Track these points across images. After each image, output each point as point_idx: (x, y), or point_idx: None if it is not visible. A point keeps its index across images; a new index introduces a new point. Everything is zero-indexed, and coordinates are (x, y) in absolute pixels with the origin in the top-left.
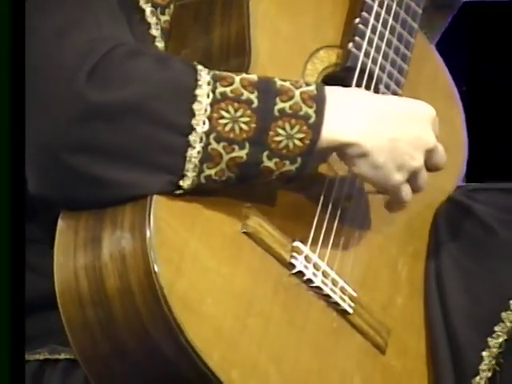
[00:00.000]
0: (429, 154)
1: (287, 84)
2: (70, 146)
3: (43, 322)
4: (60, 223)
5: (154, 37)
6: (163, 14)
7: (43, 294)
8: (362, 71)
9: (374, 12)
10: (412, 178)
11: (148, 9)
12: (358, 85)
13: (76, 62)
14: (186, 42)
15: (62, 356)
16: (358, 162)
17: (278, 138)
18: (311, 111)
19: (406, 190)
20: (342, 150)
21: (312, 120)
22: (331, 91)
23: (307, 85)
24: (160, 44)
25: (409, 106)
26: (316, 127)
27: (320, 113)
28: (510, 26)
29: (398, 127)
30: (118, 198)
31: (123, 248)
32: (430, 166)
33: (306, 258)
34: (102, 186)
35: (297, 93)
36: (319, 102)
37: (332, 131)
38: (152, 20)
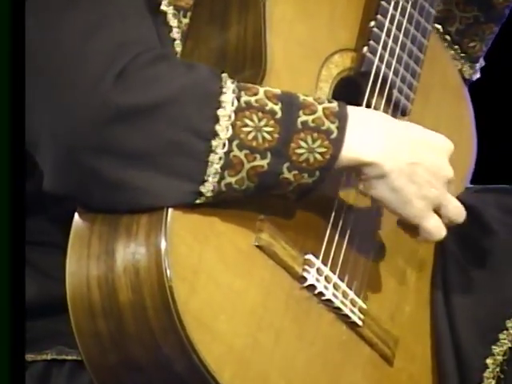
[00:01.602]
0: (448, 185)
1: (310, 99)
2: (93, 147)
3: (51, 323)
4: (74, 228)
5: (174, 39)
6: (185, 16)
7: (52, 296)
8: (376, 75)
9: (389, 15)
10: (441, 208)
11: (170, 12)
12: (372, 89)
13: (104, 65)
14: (200, 41)
15: (69, 357)
16: (375, 184)
17: (299, 151)
18: (333, 127)
19: (435, 222)
20: (360, 170)
21: (334, 135)
22: (353, 111)
23: (329, 102)
24: (179, 48)
25: (429, 136)
26: (337, 143)
27: (342, 129)
28: (510, 26)
29: (418, 153)
30: (136, 203)
31: (137, 262)
32: None
33: (318, 271)
34: (121, 190)
35: (319, 108)
36: (341, 118)
37: (352, 149)
38: (174, 23)
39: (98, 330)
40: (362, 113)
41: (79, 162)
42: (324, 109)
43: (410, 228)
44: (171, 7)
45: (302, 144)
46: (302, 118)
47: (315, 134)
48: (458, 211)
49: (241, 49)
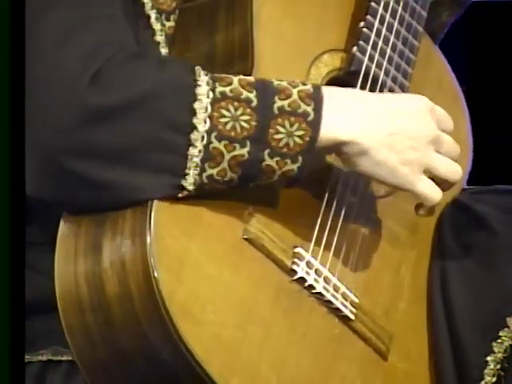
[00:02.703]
0: (434, 144)
1: (284, 83)
2: (72, 149)
3: (46, 323)
4: (61, 228)
5: (158, 43)
6: (168, 20)
7: (45, 295)
8: (366, 75)
9: (378, 15)
10: (430, 170)
11: (153, 15)
12: (362, 89)
13: (79, 68)
14: (189, 45)
15: (65, 358)
16: (358, 161)
17: (278, 136)
18: (309, 109)
19: (426, 184)
20: (340, 149)
21: (311, 117)
22: (328, 90)
23: (303, 84)
24: (164, 50)
25: (404, 101)
26: (315, 124)
27: (318, 110)
28: (511, 26)
29: (396, 123)
30: (120, 201)
31: (123, 254)
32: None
33: (308, 264)
34: (104, 189)
35: (294, 91)
36: (317, 100)
37: (330, 129)
38: (157, 26)
39: (88, 325)
40: (337, 92)
41: (59, 165)
42: (299, 92)
43: (409, 202)
44: (154, 10)
45: (280, 129)
46: (278, 103)
47: (292, 118)
48: (449, 168)
49: (229, 49)
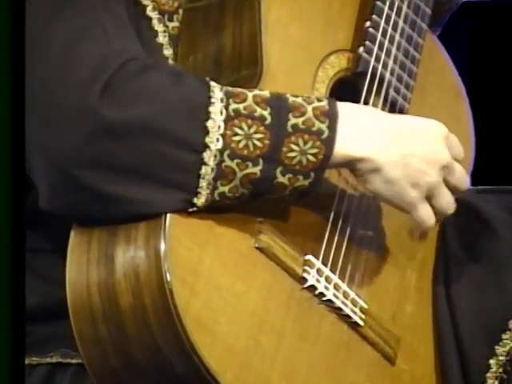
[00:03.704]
0: (445, 171)
1: (299, 100)
2: (84, 163)
3: (55, 328)
4: (73, 236)
5: (162, 44)
6: (171, 20)
7: (55, 300)
8: (373, 75)
9: (384, 14)
10: (432, 197)
11: (155, 16)
12: (369, 89)
13: (88, 78)
14: (195, 46)
15: (74, 361)
16: (370, 178)
17: (291, 154)
18: (324, 126)
19: (426, 210)
20: (354, 166)
21: (325, 135)
22: (343, 107)
23: (319, 100)
24: (168, 51)
25: (421, 125)
26: (329, 142)
27: (333, 128)
28: (510, 26)
29: (411, 144)
30: (131, 216)
31: (137, 266)
32: (448, 185)
33: (318, 272)
34: (115, 204)
35: (309, 108)
36: (331, 117)
37: (344, 146)
38: (159, 28)
39: (100, 335)
40: (352, 109)
41: (71, 179)
42: (314, 109)
43: (399, 216)
44: (156, 12)
45: (294, 147)
46: (292, 120)
47: (306, 136)
48: (449, 203)
49: (236, 52)
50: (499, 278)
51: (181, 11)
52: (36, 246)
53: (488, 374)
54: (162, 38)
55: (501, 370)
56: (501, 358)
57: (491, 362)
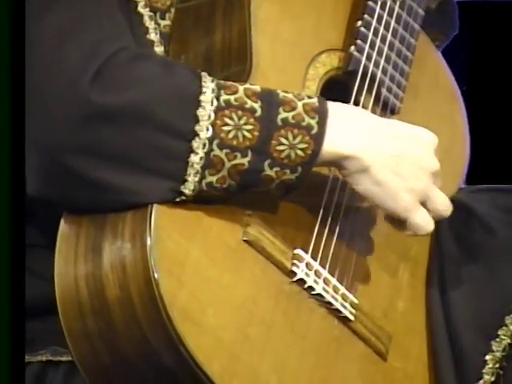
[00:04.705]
0: (434, 178)
1: (290, 95)
2: (72, 148)
3: (45, 324)
4: (61, 231)
5: (153, 41)
6: (163, 18)
7: (44, 297)
8: (364, 75)
9: (376, 14)
10: (427, 201)
11: (146, 13)
12: (360, 88)
13: (80, 65)
14: (186, 45)
15: (64, 358)
16: (358, 178)
17: (280, 148)
18: (313, 122)
19: (423, 215)
20: (342, 164)
21: (314, 131)
22: (333, 105)
23: (309, 97)
24: (158, 49)
25: (412, 130)
26: (318, 138)
27: (322, 124)
28: (510, 26)
29: (401, 147)
30: (119, 203)
31: (124, 258)
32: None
33: (307, 266)
34: (103, 190)
35: (299, 104)
36: (321, 114)
37: (333, 143)
38: (150, 25)
39: (88, 329)
40: (342, 107)
41: (60, 164)
42: (304, 105)
43: (397, 223)
44: (147, 9)
45: (283, 141)
46: (282, 114)
47: (296, 131)
48: (444, 204)
49: (226, 49)
50: (494, 274)
51: (173, 10)
52: (26, 242)
53: (484, 370)
54: (153, 35)
55: (497, 365)
56: (497, 353)
57: (487, 357)
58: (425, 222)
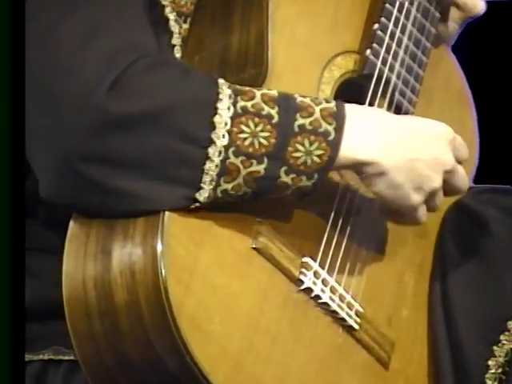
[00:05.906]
0: (447, 175)
1: (307, 100)
2: (88, 155)
3: (47, 326)
4: (70, 230)
5: (174, 45)
6: (185, 22)
7: (47, 299)
8: (379, 78)
9: (393, 17)
10: (429, 199)
11: (172, 17)
12: (375, 92)
13: (99, 73)
14: (202, 44)
15: (66, 357)
16: (375, 181)
17: (296, 154)
18: (331, 128)
19: (423, 211)
20: (359, 168)
21: (331, 137)
22: (351, 109)
23: (327, 102)
24: (178, 54)
25: (427, 127)
26: (335, 144)
27: (339, 130)
28: (510, 26)
29: (417, 148)
30: (132, 209)
31: (134, 263)
32: (449, 188)
33: (315, 274)
34: (117, 197)
35: (317, 109)
36: (339, 119)
37: (350, 149)
38: (175, 29)
39: (94, 330)
40: (359, 111)
41: (75, 171)
42: (321, 110)
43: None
44: (174, 13)
45: (299, 147)
46: (299, 121)
47: (312, 137)
48: (439, 205)
49: (243, 50)
50: (496, 278)
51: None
52: (26, 245)
53: (487, 375)
54: (175, 40)
55: (500, 370)
56: (499, 358)
57: (490, 362)
58: (422, 217)
